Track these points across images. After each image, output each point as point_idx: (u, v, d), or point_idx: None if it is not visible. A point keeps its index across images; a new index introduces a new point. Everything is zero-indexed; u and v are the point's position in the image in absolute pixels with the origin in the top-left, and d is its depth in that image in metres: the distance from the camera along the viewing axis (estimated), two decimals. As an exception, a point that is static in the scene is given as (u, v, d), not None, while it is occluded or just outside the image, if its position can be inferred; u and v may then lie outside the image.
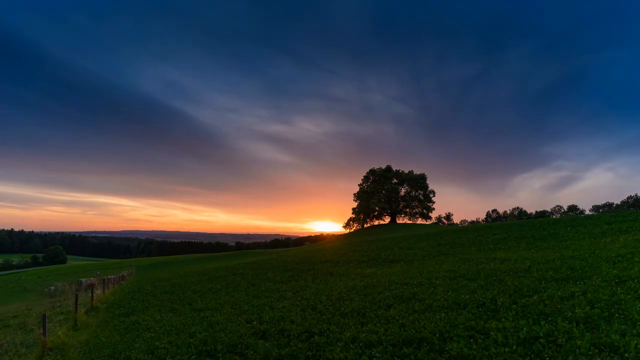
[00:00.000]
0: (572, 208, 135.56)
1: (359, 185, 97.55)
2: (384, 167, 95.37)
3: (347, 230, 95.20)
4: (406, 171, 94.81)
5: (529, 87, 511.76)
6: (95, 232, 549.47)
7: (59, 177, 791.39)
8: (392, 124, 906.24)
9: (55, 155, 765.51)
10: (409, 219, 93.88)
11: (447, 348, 5.43)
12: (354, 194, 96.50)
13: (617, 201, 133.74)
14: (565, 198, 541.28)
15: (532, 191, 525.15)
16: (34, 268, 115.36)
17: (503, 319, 6.29)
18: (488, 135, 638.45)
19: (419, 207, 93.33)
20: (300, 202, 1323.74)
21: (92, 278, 32.78)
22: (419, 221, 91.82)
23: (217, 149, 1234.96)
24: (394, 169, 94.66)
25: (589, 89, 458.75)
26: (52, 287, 30.16)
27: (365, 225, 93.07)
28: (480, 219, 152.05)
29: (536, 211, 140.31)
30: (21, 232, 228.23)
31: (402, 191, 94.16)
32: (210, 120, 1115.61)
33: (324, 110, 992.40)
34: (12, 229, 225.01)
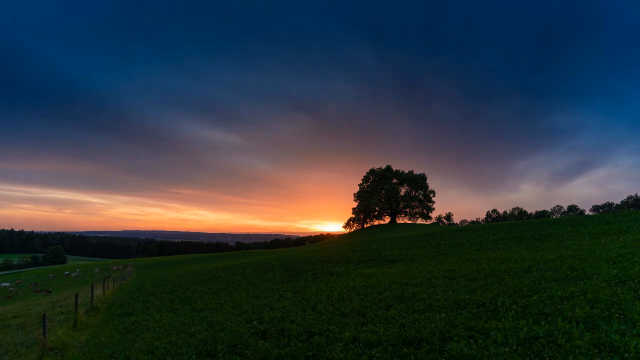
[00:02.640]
0: (572, 208, 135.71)
1: (359, 185, 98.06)
2: (383, 167, 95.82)
3: (347, 230, 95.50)
4: (406, 171, 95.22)
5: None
6: (95, 231, 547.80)
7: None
8: (348, 78, 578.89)
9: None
10: (409, 219, 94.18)
11: (447, 348, 5.42)
12: (354, 194, 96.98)
13: (617, 201, 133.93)
14: (576, 192, 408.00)
15: (538, 182, 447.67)
16: (34, 268, 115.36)
17: (503, 319, 6.29)
18: (481, 101, 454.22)
19: (419, 207, 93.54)
20: (279, 198, 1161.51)
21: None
22: (419, 221, 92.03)
23: (139, 126, 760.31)
24: (393, 168, 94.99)
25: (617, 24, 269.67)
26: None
27: (365, 225, 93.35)
28: (480, 219, 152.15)
29: (536, 211, 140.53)
30: (21, 232, 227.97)
31: (402, 191, 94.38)
32: (80, 69, 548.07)
33: (240, 58, 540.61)
34: (12, 229, 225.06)
